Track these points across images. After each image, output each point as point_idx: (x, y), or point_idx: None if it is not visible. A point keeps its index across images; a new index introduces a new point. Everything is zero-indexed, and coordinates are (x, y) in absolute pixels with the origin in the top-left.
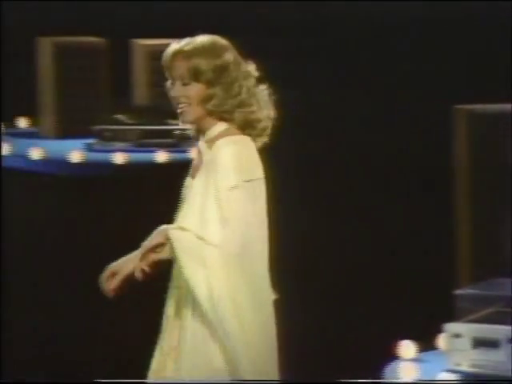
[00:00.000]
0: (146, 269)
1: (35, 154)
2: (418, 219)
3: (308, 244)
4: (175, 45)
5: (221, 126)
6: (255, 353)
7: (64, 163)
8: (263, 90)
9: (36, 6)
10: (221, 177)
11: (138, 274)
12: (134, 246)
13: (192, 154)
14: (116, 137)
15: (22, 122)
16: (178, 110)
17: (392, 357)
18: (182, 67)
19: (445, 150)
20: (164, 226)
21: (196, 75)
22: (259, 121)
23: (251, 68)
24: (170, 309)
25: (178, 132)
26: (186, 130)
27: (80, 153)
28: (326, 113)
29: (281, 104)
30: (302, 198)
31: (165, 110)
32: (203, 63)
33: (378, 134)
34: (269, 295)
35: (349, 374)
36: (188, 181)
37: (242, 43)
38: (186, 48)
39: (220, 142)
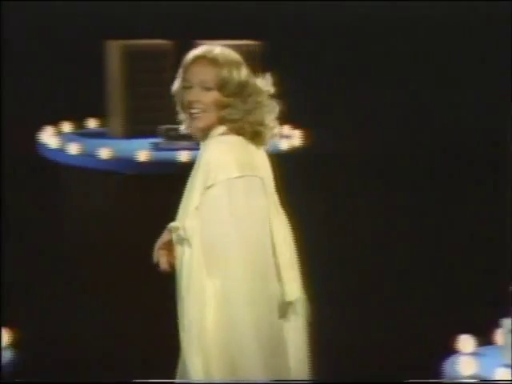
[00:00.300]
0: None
1: (104, 153)
2: (475, 217)
3: (364, 241)
4: (197, 50)
5: (219, 129)
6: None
7: (131, 162)
8: (275, 104)
9: (102, 9)
10: (201, 174)
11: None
12: None
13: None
14: (181, 136)
15: (92, 123)
16: (191, 115)
17: (451, 351)
18: (204, 73)
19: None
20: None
21: (223, 84)
22: (264, 131)
23: (265, 83)
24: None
25: None
26: None
27: (147, 152)
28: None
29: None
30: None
31: None
32: (230, 74)
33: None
34: (266, 292)
35: (410, 368)
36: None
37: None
38: (209, 55)
39: (208, 142)
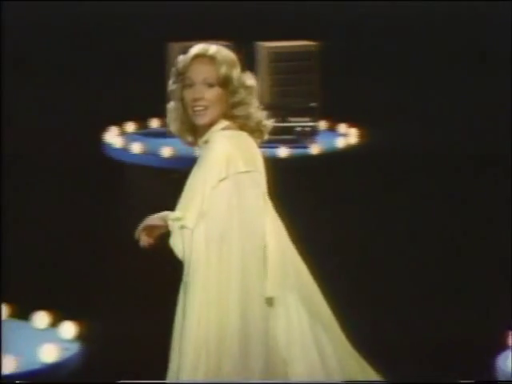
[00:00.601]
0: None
1: (166, 152)
2: None
3: (424, 240)
4: (195, 49)
5: (222, 124)
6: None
7: (192, 160)
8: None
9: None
10: (207, 170)
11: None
12: None
13: (282, 150)
14: None
15: (154, 123)
16: (196, 111)
17: (504, 347)
18: (206, 70)
19: None
20: (166, 213)
21: (225, 81)
22: (265, 126)
23: (249, 79)
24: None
25: (298, 129)
26: (307, 127)
27: None
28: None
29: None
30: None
31: (286, 108)
32: (234, 72)
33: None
34: (256, 291)
35: (461, 365)
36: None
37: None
38: (208, 53)
39: (212, 137)
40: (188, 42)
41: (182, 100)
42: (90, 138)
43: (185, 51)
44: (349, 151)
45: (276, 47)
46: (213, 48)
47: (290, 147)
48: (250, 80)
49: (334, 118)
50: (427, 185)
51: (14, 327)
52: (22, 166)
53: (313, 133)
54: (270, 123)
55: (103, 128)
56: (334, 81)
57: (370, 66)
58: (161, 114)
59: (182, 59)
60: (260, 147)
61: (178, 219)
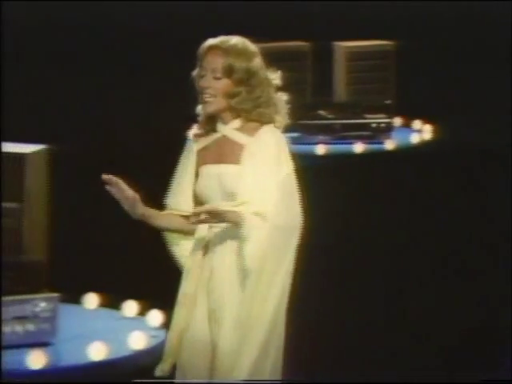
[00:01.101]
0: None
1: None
2: None
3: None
4: (213, 40)
5: (236, 122)
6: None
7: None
8: (282, 97)
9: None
10: (283, 158)
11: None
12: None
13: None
14: (318, 130)
15: None
16: (203, 100)
17: None
18: (216, 62)
19: None
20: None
21: (229, 72)
22: (281, 122)
23: (274, 76)
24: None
25: (374, 125)
26: (382, 123)
27: None
28: None
29: None
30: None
31: (362, 105)
32: (238, 63)
33: None
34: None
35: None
36: (217, 167)
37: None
38: (223, 45)
39: (267, 128)
40: (270, 43)
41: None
42: (174, 133)
43: (270, 53)
44: (423, 147)
45: (353, 47)
46: (232, 40)
47: (366, 143)
48: (272, 75)
49: (409, 114)
50: (502, 181)
51: (104, 316)
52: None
53: (388, 129)
54: (281, 126)
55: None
56: (409, 79)
57: (444, 64)
58: None
59: (199, 52)
60: (337, 143)
61: (257, 213)
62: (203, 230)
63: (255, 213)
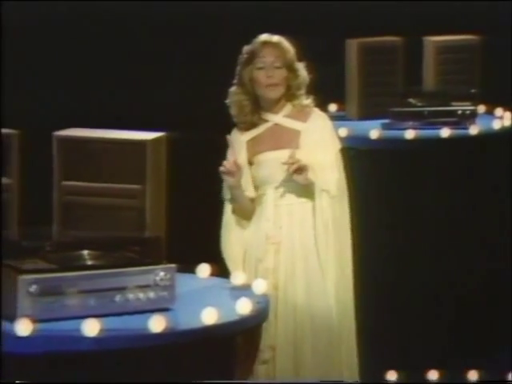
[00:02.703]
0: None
1: (342, 132)
2: None
3: None
4: (266, 37)
5: (296, 103)
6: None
7: (365, 139)
8: None
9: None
10: (335, 138)
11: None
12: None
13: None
14: (408, 117)
15: (333, 107)
16: (268, 87)
17: None
18: (275, 55)
19: None
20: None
21: (289, 63)
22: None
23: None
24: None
25: (459, 112)
26: (467, 110)
27: (378, 131)
28: None
29: None
30: None
31: (449, 94)
32: (288, 55)
33: None
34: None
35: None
36: (276, 153)
37: None
38: (279, 42)
39: (318, 113)
40: (362, 39)
41: (250, 81)
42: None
43: (361, 46)
44: (504, 132)
45: (442, 41)
46: (276, 37)
47: (452, 128)
48: (301, 66)
49: (492, 102)
50: None
51: (215, 284)
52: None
53: (472, 116)
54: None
55: None
56: (492, 70)
57: None
58: (339, 99)
59: (252, 47)
60: (425, 128)
61: (327, 191)
62: (270, 208)
63: (321, 188)
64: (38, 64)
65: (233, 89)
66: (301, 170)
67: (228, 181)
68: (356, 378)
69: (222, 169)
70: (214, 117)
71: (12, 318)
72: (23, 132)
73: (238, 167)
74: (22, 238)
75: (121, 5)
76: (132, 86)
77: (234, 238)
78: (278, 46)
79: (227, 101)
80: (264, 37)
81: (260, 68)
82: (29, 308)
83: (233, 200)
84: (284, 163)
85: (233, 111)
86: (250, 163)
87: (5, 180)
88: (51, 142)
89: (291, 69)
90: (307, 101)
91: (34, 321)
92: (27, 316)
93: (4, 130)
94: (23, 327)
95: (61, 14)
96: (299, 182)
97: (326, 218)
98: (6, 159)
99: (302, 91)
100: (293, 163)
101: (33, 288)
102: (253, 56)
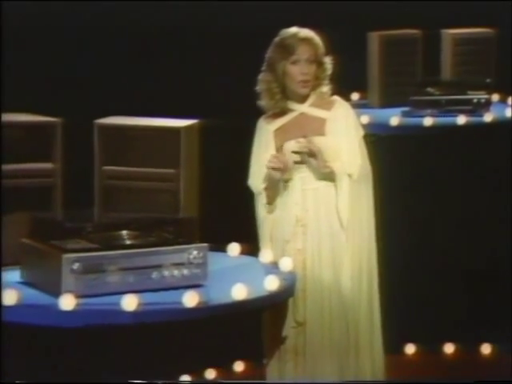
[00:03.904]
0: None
1: (364, 119)
2: None
3: None
4: (303, 31)
5: (318, 92)
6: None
7: (386, 126)
8: None
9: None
10: (358, 125)
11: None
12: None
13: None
14: (426, 105)
15: (355, 96)
16: (301, 83)
17: None
18: (310, 51)
19: None
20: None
21: (320, 58)
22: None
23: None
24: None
25: (475, 100)
26: (482, 99)
27: (398, 118)
28: None
29: None
30: None
31: (465, 83)
32: (319, 50)
33: None
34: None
35: None
36: (302, 141)
37: None
38: (311, 38)
39: (341, 102)
40: (383, 32)
41: (283, 74)
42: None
43: (382, 38)
44: None
45: (459, 34)
46: (310, 33)
47: (468, 116)
48: (328, 60)
49: (506, 91)
50: None
51: (245, 262)
52: None
53: (487, 104)
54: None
55: None
56: (507, 61)
57: None
58: (361, 88)
59: (287, 41)
60: (442, 116)
61: (350, 175)
62: (298, 192)
63: (345, 172)
64: (78, 54)
65: (263, 76)
66: (312, 154)
67: (275, 176)
68: (380, 351)
69: (270, 164)
70: (243, 105)
71: (56, 294)
72: (67, 120)
73: (285, 164)
74: (66, 220)
75: None
76: (170, 75)
77: (263, 219)
78: (312, 43)
79: (257, 88)
80: (300, 32)
81: (294, 63)
82: (72, 284)
83: (268, 189)
84: (294, 151)
85: (263, 98)
86: (278, 151)
87: (50, 165)
88: (93, 129)
89: (320, 63)
90: (326, 88)
91: (77, 296)
92: (70, 292)
93: (49, 119)
94: (67, 302)
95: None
96: (314, 166)
97: (350, 200)
98: (50, 146)
99: (327, 82)
100: (304, 147)
101: (76, 266)
102: (288, 51)
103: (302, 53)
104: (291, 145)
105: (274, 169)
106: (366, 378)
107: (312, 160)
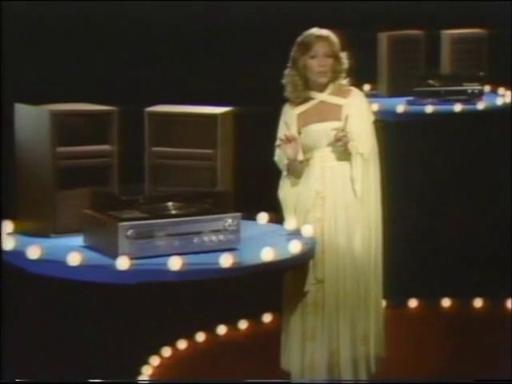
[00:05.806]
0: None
1: (374, 107)
2: None
3: None
4: (320, 31)
5: (337, 84)
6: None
7: (393, 113)
8: None
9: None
10: (370, 112)
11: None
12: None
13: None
14: (428, 95)
15: (367, 87)
16: (320, 73)
17: None
18: (326, 47)
19: None
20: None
21: (336, 53)
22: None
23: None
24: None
25: (469, 91)
26: (476, 90)
27: (403, 106)
28: None
29: None
30: None
31: (461, 76)
32: (336, 46)
33: None
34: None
35: None
36: (322, 125)
37: None
38: (328, 35)
39: (356, 91)
40: (391, 32)
41: (303, 67)
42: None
43: (390, 38)
44: (505, 108)
45: (456, 34)
46: (326, 31)
47: (464, 104)
48: (344, 55)
49: (496, 83)
50: None
51: (272, 229)
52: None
53: (480, 94)
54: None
55: None
56: (497, 57)
57: None
58: (372, 80)
59: (306, 39)
60: (442, 104)
61: (362, 154)
62: (318, 169)
63: (358, 152)
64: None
65: (288, 71)
66: (343, 139)
67: (287, 152)
68: (382, 305)
69: (279, 142)
70: (272, 96)
71: (114, 256)
72: (122, 109)
73: (295, 141)
74: (121, 194)
75: None
76: (209, 70)
77: (288, 192)
78: (328, 40)
79: (283, 81)
80: (317, 31)
81: (313, 57)
82: (127, 248)
83: (289, 165)
84: (334, 129)
85: (288, 89)
86: (299, 133)
87: (107, 147)
88: (143, 116)
89: (337, 57)
90: (344, 81)
91: (131, 258)
92: (125, 254)
93: (107, 107)
94: (122, 263)
95: None
96: (338, 147)
97: (362, 175)
98: (108, 131)
99: (344, 74)
100: (341, 133)
101: (130, 232)
102: (307, 47)
103: (319, 48)
104: (312, 128)
105: (282, 145)
106: (370, 327)
107: (339, 143)
